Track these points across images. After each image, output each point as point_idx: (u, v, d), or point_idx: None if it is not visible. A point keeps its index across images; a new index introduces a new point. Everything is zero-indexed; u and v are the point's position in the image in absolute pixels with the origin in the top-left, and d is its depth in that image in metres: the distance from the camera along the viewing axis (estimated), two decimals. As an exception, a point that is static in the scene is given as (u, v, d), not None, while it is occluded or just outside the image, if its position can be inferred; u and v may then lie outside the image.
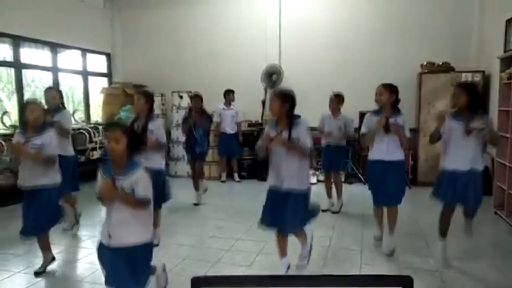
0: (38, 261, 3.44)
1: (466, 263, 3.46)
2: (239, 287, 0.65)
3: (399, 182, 3.59)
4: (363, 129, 3.67)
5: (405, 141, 3.48)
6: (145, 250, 2.40)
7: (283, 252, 3.11)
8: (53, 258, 3.45)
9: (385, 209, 3.69)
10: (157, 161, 3.76)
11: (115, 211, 2.29)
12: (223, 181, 7.11)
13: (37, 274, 3.30)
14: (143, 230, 2.36)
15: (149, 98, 3.86)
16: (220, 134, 7.05)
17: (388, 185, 3.51)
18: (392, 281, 0.67)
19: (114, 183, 2.24)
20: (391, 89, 3.49)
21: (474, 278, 3.25)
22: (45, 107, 4.15)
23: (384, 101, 3.48)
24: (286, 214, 2.90)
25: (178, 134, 6.93)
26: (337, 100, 4.96)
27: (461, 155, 3.18)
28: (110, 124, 2.57)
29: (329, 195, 5.17)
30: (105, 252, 2.35)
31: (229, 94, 7.05)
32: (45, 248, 3.38)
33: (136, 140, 2.39)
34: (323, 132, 5.04)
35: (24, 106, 3.29)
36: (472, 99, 3.17)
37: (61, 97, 4.32)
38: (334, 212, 4.99)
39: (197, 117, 5.34)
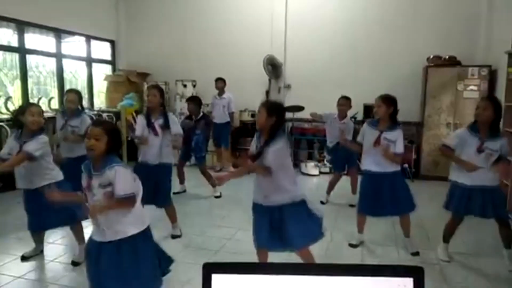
0: (47, 247, 3.52)
1: (468, 258, 3.48)
2: (253, 274, 0.65)
3: (401, 192, 3.53)
4: (359, 137, 3.67)
5: (392, 158, 3.41)
6: (142, 240, 2.34)
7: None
8: (42, 251, 3.51)
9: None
10: (170, 156, 3.86)
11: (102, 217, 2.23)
12: (218, 171, 7.00)
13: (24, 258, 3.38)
14: (134, 221, 2.31)
15: (162, 92, 3.90)
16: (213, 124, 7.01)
17: (391, 197, 3.46)
18: (403, 272, 0.67)
19: (91, 180, 2.21)
20: (389, 101, 3.43)
21: (475, 271, 3.26)
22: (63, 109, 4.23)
23: (382, 114, 3.44)
24: (277, 231, 2.73)
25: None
26: (347, 102, 4.91)
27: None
28: (94, 122, 2.54)
29: (329, 192, 5.17)
30: (95, 247, 2.28)
31: (217, 82, 6.94)
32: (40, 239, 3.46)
33: (117, 140, 2.31)
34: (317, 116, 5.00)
35: (24, 107, 3.18)
36: (497, 115, 3.08)
37: (80, 99, 4.19)
38: (352, 206, 4.89)
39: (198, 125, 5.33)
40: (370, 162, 3.51)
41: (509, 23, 5.37)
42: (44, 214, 3.17)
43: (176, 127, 3.87)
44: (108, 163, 2.21)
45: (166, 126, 3.79)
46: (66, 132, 4.05)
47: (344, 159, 5.07)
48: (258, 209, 2.81)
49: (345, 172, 5.23)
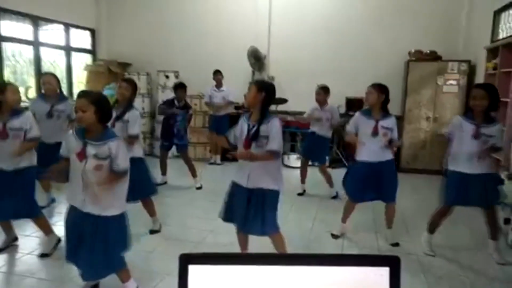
0: (22, 240, 3.44)
1: (445, 249, 3.55)
2: (230, 264, 0.64)
3: (393, 180, 3.58)
4: (349, 128, 3.62)
5: (393, 147, 3.52)
6: (117, 222, 2.40)
7: (243, 249, 2.99)
8: (16, 238, 3.44)
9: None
10: (135, 150, 3.60)
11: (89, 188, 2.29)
12: (211, 163, 7.03)
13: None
14: (116, 203, 2.38)
15: (135, 87, 3.76)
16: (210, 116, 6.94)
17: (382, 184, 3.51)
18: (380, 261, 0.67)
19: (85, 148, 2.26)
20: (380, 89, 3.42)
21: (450, 262, 3.34)
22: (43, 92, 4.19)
23: (373, 102, 3.43)
24: (250, 214, 2.75)
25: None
26: (324, 92, 4.96)
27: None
28: (78, 94, 2.52)
29: (303, 181, 5.24)
30: (76, 216, 2.35)
31: (215, 75, 6.86)
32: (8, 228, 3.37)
33: (105, 107, 2.35)
34: (314, 119, 5.06)
35: (2, 86, 3.09)
36: (491, 102, 3.05)
37: (58, 82, 4.17)
38: (333, 197, 5.01)
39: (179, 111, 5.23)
40: (367, 152, 3.48)
41: (488, 19, 5.48)
42: (2, 202, 3.04)
43: (133, 124, 3.61)
44: (108, 135, 2.30)
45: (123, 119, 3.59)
46: (52, 118, 4.04)
47: (313, 151, 5.12)
48: (237, 190, 2.84)
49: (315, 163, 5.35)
